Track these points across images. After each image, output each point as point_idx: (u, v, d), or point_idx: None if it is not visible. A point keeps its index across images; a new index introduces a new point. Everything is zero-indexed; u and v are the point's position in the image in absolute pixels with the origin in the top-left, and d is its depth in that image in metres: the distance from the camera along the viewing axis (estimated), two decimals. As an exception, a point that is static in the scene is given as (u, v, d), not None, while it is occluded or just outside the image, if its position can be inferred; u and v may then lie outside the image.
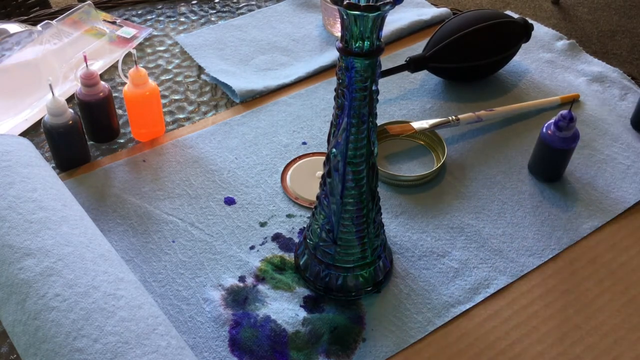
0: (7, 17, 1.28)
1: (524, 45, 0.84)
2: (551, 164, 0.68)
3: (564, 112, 0.64)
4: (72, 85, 0.80)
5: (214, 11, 0.96)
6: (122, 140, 0.74)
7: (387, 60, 0.85)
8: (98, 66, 0.83)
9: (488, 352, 0.54)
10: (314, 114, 0.77)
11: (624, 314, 0.57)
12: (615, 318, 0.57)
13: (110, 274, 0.51)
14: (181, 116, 0.78)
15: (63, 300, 0.48)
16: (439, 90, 0.82)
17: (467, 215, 0.66)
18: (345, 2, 0.42)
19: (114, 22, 0.91)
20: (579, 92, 0.81)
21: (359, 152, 0.50)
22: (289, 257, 0.61)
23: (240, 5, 0.97)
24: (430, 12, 0.94)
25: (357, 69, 0.46)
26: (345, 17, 0.44)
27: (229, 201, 0.67)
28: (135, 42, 0.88)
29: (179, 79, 0.83)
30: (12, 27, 0.86)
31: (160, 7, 0.96)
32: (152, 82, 0.70)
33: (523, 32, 0.81)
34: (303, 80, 0.83)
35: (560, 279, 0.60)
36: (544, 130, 0.66)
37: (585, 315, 0.57)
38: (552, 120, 0.66)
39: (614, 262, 0.61)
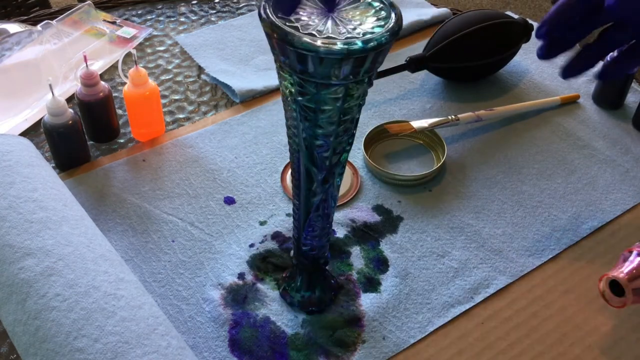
0: (7, 17, 1.29)
1: (524, 45, 0.84)
2: (616, 90, 0.78)
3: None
4: (72, 85, 0.80)
5: (214, 11, 0.96)
6: (122, 140, 0.74)
7: (387, 60, 0.85)
8: (98, 66, 0.83)
9: (488, 352, 0.54)
10: (314, 114, 0.77)
11: (624, 314, 0.57)
12: (615, 318, 0.57)
13: (110, 274, 0.51)
14: (181, 116, 0.78)
15: (63, 300, 0.48)
16: (439, 90, 0.82)
17: (467, 215, 0.66)
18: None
19: (114, 22, 0.91)
20: (579, 92, 0.81)
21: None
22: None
23: (240, 5, 0.97)
24: (430, 12, 0.94)
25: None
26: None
27: (229, 200, 0.66)
28: (135, 42, 0.88)
29: (179, 79, 0.83)
30: (12, 27, 0.86)
31: (160, 7, 0.96)
32: (152, 82, 0.70)
33: (523, 32, 0.81)
34: (303, 80, 0.83)
35: (560, 279, 0.60)
36: (608, 60, 0.70)
37: (585, 315, 0.57)
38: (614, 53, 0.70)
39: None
